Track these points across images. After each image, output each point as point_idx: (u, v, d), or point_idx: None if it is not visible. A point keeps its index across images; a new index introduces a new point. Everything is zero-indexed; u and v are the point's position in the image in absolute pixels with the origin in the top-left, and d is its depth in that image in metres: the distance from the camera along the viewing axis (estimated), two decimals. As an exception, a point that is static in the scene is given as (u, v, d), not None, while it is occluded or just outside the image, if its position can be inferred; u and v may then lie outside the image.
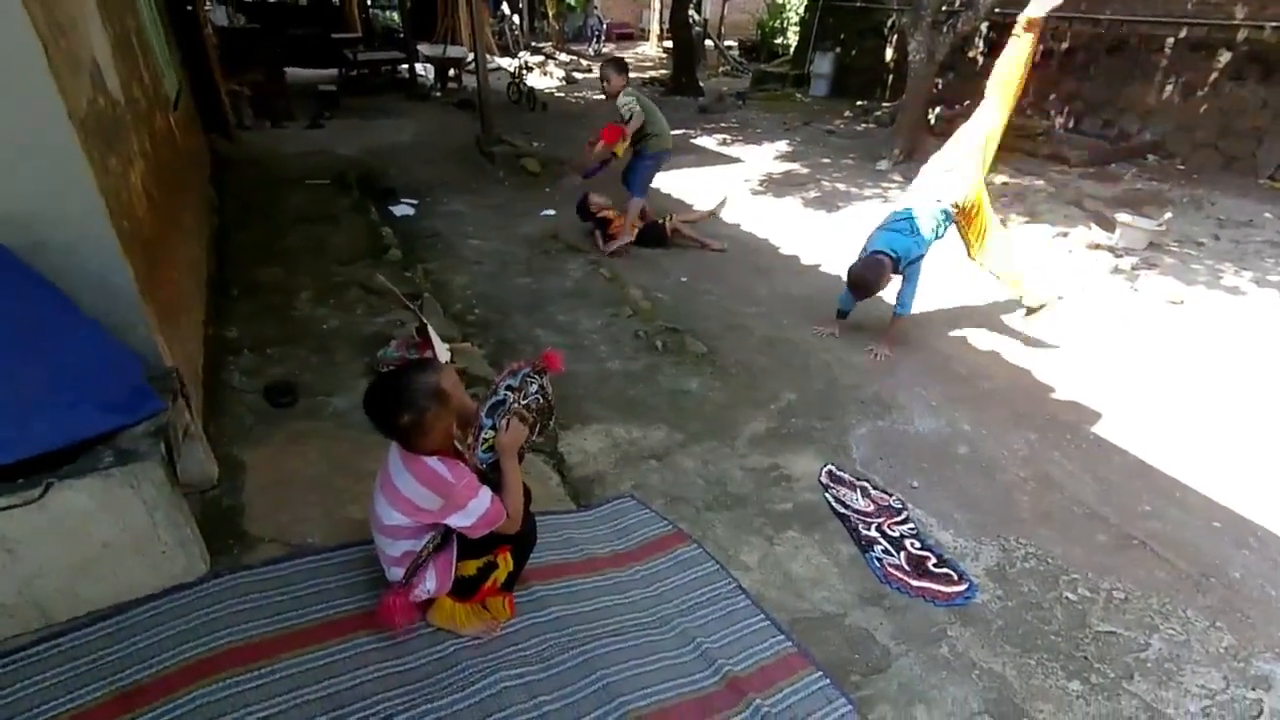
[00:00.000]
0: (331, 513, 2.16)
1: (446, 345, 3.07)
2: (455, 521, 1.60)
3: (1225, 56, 7.53)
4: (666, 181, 6.32)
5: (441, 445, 1.61)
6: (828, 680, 1.82)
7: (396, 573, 1.71)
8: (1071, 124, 8.97)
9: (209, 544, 1.92)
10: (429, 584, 1.72)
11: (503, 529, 1.66)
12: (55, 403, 1.61)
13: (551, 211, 5.72)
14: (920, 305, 4.24)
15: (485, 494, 1.61)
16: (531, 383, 1.76)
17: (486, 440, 1.69)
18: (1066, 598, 2.18)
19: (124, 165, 2.22)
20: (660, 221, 5.02)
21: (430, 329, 2.96)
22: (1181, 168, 7.80)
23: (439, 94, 10.50)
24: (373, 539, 1.74)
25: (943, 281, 4.69)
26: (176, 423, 1.88)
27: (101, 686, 1.58)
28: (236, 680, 1.61)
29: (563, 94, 11.74)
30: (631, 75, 4.85)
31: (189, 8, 5.79)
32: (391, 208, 5.47)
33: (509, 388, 1.73)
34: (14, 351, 1.59)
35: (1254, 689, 1.92)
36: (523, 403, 1.73)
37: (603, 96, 5.25)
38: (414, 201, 5.68)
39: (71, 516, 1.60)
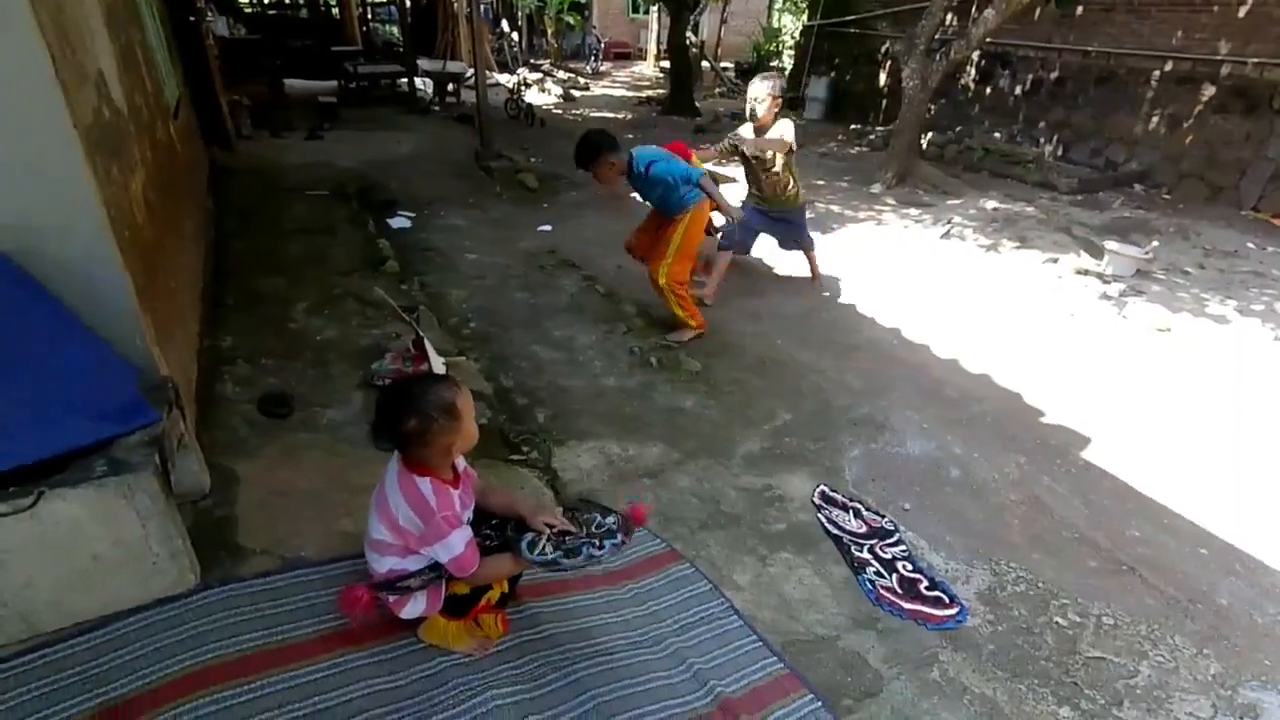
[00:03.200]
0: (325, 526, 2.15)
1: (442, 359, 3.07)
2: (430, 554, 1.60)
3: (1209, 90, 7.71)
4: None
5: (439, 464, 1.61)
6: (820, 703, 1.82)
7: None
8: (1061, 152, 9.14)
9: (199, 555, 1.90)
10: (420, 603, 1.70)
11: (460, 576, 1.64)
12: (48, 411, 1.60)
13: (548, 227, 5.76)
14: (911, 328, 4.30)
15: (460, 537, 1.58)
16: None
17: (540, 549, 1.72)
18: (1057, 622, 2.20)
19: (125, 174, 2.23)
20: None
21: (426, 342, 2.96)
22: (1168, 197, 7.96)
23: (438, 108, 10.58)
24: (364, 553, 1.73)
25: (931, 304, 4.75)
26: (171, 433, 1.87)
27: (86, 700, 1.56)
28: (224, 695, 1.59)
29: (560, 110, 11.85)
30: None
31: (191, 19, 5.83)
32: (389, 220, 5.49)
33: (593, 553, 1.76)
34: (7, 359, 1.58)
35: (1242, 718, 1.93)
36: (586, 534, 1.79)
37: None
38: (411, 214, 5.70)
39: (63, 526, 1.58)
